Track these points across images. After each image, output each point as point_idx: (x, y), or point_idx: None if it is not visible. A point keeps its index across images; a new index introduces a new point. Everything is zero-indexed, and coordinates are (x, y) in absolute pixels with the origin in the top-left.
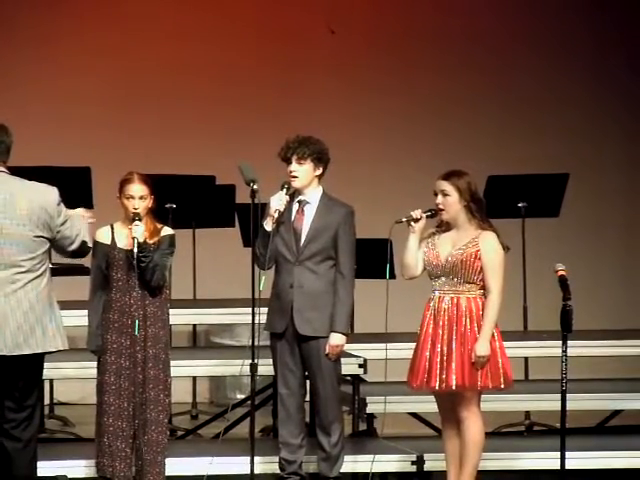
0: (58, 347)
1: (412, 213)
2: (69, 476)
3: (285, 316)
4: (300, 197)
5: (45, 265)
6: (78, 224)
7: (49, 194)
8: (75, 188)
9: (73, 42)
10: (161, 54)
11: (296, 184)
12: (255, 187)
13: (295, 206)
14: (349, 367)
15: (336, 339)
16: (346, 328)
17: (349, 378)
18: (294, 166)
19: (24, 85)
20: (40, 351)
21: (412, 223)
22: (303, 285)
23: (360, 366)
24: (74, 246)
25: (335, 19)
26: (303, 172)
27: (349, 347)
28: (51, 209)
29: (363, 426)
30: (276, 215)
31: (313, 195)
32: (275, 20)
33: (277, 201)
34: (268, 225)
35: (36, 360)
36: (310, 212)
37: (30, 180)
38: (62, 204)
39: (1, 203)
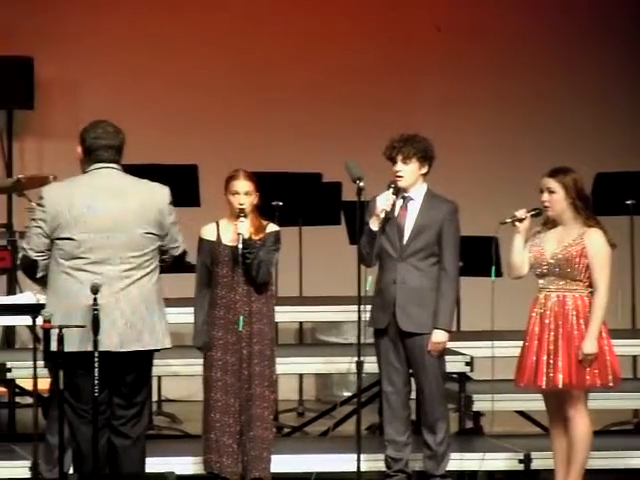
0: (165, 345)
1: (516, 213)
2: (177, 473)
3: (387, 312)
4: (404, 194)
5: (155, 263)
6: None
7: (161, 192)
8: (183, 186)
9: (180, 34)
10: (271, 50)
11: (402, 184)
12: (361, 185)
13: (399, 202)
14: (456, 365)
15: (438, 336)
16: (449, 325)
17: (455, 376)
18: (399, 166)
19: (132, 83)
20: (147, 348)
21: (517, 223)
22: (406, 281)
23: (467, 364)
24: (179, 251)
25: (442, 17)
26: (409, 171)
27: (456, 345)
28: (163, 207)
29: (470, 424)
30: (382, 215)
31: (417, 192)
32: (382, 18)
33: (383, 201)
34: (374, 225)
35: (145, 357)
36: (414, 209)
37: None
38: (172, 204)
39: (113, 200)
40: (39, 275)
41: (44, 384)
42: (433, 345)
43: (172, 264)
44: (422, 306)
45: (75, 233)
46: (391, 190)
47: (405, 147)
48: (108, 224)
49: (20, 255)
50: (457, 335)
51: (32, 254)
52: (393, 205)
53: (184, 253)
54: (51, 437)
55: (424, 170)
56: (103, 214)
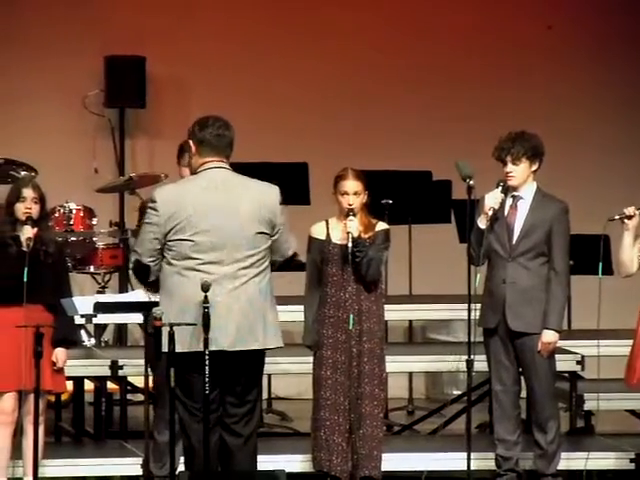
0: (279, 344)
1: (625, 210)
2: (287, 470)
3: (497, 312)
4: (514, 192)
5: (267, 262)
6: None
7: (272, 192)
8: (293, 184)
9: (288, 31)
10: (381, 47)
11: (513, 183)
12: (471, 183)
13: (509, 201)
14: (566, 364)
15: (548, 336)
16: (559, 325)
17: (566, 375)
18: (510, 167)
19: (242, 82)
20: (261, 347)
21: (625, 220)
22: (516, 281)
23: (577, 363)
24: (291, 251)
25: (552, 14)
26: (519, 171)
27: (566, 344)
28: (275, 207)
29: (581, 423)
30: (490, 213)
31: (527, 191)
32: (490, 16)
33: (492, 199)
34: (482, 223)
35: (257, 356)
36: (524, 208)
37: (249, 176)
38: (281, 205)
39: (225, 200)
40: (151, 279)
41: None
42: (543, 345)
43: (282, 264)
44: (532, 306)
45: (189, 234)
46: (500, 188)
47: (514, 147)
48: (221, 224)
49: (133, 259)
50: (568, 334)
51: (145, 259)
52: (502, 204)
53: (295, 254)
54: (158, 435)
55: (534, 167)
56: (216, 214)
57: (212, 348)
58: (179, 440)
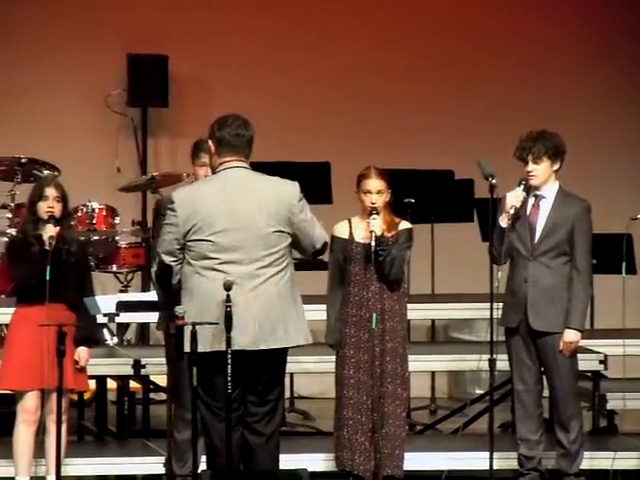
0: (299, 342)
1: None
2: (309, 469)
3: (519, 311)
4: (536, 192)
5: (287, 260)
6: (319, 225)
7: (290, 189)
8: (315, 183)
9: (310, 31)
10: (404, 47)
11: (534, 182)
12: (494, 182)
13: (531, 200)
14: (589, 363)
15: (570, 335)
16: (581, 324)
17: (589, 374)
18: (531, 166)
19: (264, 81)
20: (281, 346)
21: None
22: (538, 280)
23: (600, 362)
24: (319, 244)
25: (566, 13)
26: (541, 170)
27: (589, 343)
28: (293, 204)
29: (603, 422)
30: (512, 211)
31: (549, 190)
32: (520, 20)
33: (513, 197)
34: (503, 221)
35: (279, 355)
36: (546, 207)
37: (271, 175)
38: (304, 200)
39: (242, 200)
40: (175, 281)
41: None
42: (565, 344)
43: (314, 255)
44: (554, 305)
45: (207, 234)
46: (522, 187)
47: (535, 147)
48: (239, 224)
49: (157, 260)
50: (590, 333)
51: (166, 259)
52: (524, 203)
53: (325, 244)
54: (177, 434)
55: (556, 167)
56: (234, 215)
57: (233, 347)
58: (199, 438)
